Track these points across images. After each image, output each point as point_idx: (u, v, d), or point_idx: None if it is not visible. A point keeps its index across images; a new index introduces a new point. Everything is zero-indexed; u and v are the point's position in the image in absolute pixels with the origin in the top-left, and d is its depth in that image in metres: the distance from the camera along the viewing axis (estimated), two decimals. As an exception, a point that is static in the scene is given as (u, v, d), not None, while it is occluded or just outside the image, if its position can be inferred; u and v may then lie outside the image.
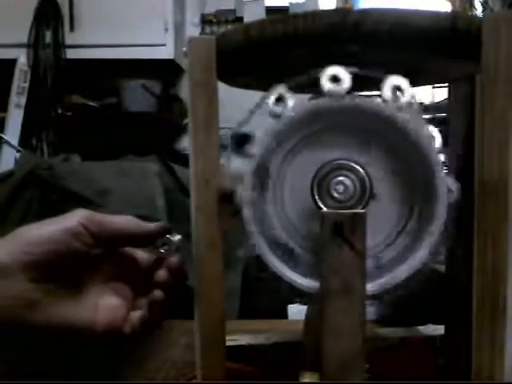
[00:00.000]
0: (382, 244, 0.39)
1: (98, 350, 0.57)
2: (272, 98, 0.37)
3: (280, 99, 0.37)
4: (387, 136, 0.38)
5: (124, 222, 0.42)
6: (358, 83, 0.36)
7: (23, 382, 0.53)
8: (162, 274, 0.43)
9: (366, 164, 0.37)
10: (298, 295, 0.38)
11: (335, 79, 0.35)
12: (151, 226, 0.43)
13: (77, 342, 0.47)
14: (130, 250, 0.44)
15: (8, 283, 0.37)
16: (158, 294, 0.42)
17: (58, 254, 0.38)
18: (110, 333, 0.41)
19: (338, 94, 0.35)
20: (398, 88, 0.36)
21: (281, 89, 0.37)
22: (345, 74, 0.35)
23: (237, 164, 0.39)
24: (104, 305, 0.41)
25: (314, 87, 0.36)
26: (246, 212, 0.37)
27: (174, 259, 0.43)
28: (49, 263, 0.38)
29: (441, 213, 0.36)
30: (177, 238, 0.43)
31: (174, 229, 0.44)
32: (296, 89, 0.37)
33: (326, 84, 0.35)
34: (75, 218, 0.40)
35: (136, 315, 0.42)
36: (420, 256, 0.37)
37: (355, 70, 0.35)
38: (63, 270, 0.39)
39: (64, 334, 0.40)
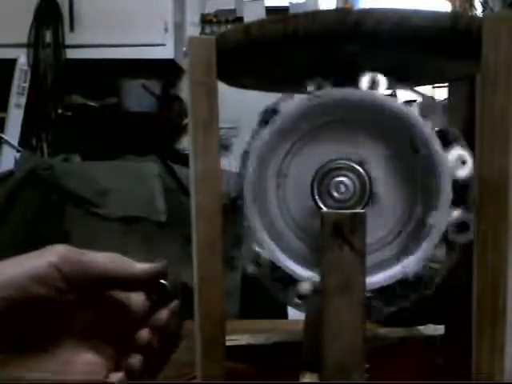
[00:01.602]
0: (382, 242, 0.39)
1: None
2: (365, 83, 0.36)
3: (373, 84, 0.36)
4: (389, 131, 0.38)
5: (107, 262, 0.35)
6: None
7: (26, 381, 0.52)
8: (143, 334, 0.37)
9: (366, 163, 0.37)
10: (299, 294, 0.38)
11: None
12: (141, 268, 0.36)
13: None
14: (120, 294, 0.37)
15: None
16: (134, 361, 0.36)
17: (18, 303, 0.32)
18: None
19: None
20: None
21: (374, 74, 0.36)
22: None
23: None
24: (78, 364, 0.35)
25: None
26: (250, 210, 0.37)
27: (161, 316, 0.37)
28: (7, 314, 0.32)
29: (443, 211, 0.36)
30: (170, 281, 0.37)
31: (169, 271, 0.37)
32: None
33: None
34: (47, 257, 0.34)
35: (117, 377, 0.36)
36: (419, 254, 0.37)
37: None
38: (28, 320, 0.33)
39: None
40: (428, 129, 0.36)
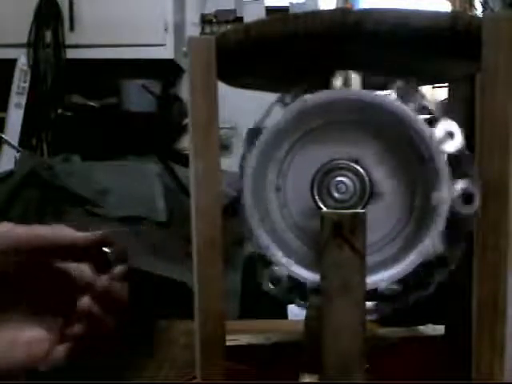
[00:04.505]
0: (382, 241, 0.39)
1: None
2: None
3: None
4: (389, 132, 0.38)
5: (45, 231, 0.35)
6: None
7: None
8: (83, 302, 0.36)
9: (366, 162, 0.37)
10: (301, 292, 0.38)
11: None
12: (81, 236, 0.36)
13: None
14: (64, 265, 0.37)
15: None
16: (76, 329, 0.36)
17: None
18: (28, 370, 0.35)
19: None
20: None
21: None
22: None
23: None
24: (23, 339, 0.35)
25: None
26: (250, 211, 0.37)
27: (100, 281, 0.36)
28: None
29: (442, 211, 0.36)
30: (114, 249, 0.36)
31: (115, 238, 0.37)
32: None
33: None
34: None
35: (61, 349, 0.36)
36: (419, 253, 0.37)
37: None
38: None
39: None
40: (423, 125, 0.36)
